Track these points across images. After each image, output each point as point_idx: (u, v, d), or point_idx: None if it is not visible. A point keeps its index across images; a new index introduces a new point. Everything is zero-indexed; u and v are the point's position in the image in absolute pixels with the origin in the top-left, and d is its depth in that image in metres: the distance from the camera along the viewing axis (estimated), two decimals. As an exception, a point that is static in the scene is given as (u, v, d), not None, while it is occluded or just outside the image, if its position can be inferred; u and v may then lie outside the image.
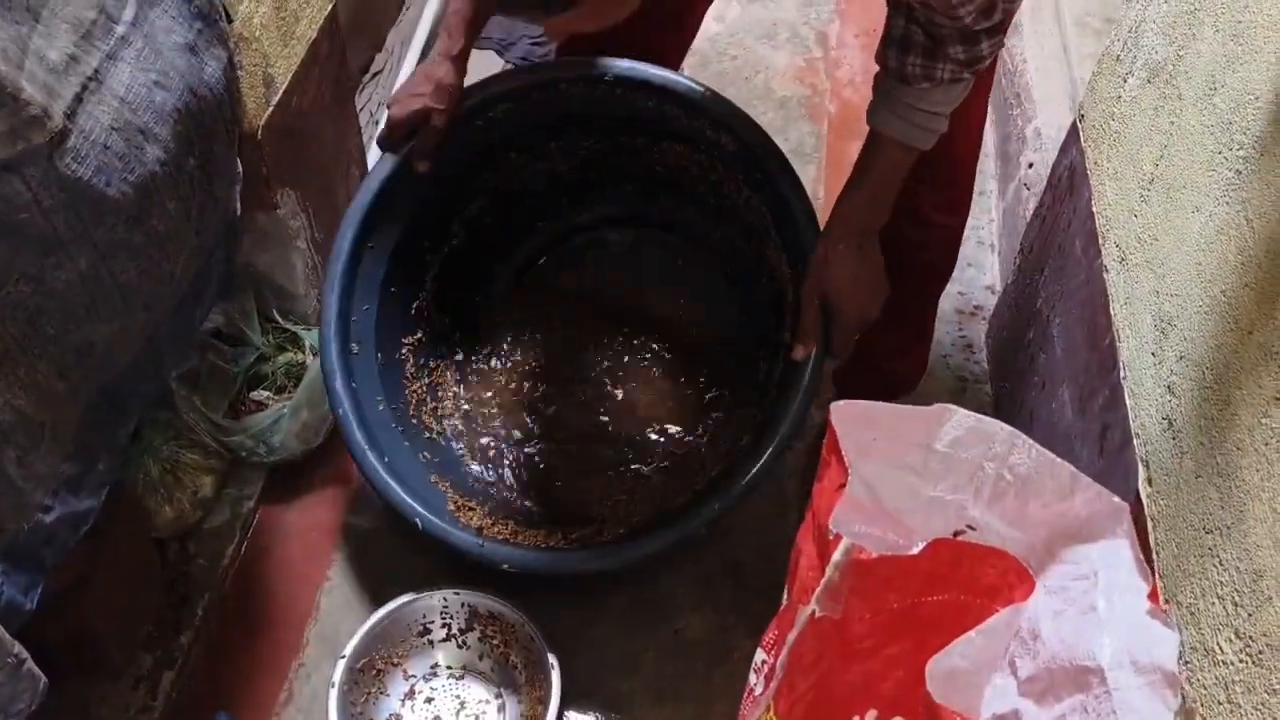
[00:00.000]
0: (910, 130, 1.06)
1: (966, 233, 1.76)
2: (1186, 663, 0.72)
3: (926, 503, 0.71)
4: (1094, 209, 1.19)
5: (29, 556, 0.78)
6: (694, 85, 1.29)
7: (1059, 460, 0.67)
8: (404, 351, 1.40)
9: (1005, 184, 1.80)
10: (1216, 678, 0.75)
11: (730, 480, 1.20)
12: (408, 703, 1.25)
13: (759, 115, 1.35)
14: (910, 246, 1.23)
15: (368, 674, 1.24)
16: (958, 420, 0.70)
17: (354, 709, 1.22)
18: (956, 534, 0.70)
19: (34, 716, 1.17)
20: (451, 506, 1.28)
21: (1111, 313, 1.08)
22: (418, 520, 1.21)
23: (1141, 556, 0.63)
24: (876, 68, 1.07)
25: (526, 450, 1.42)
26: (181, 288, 0.91)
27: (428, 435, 1.38)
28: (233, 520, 1.38)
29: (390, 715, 1.24)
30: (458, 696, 1.26)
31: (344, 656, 1.21)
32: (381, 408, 1.32)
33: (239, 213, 1.15)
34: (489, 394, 1.47)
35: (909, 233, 1.22)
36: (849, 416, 0.71)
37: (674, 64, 1.41)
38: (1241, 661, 0.73)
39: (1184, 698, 0.65)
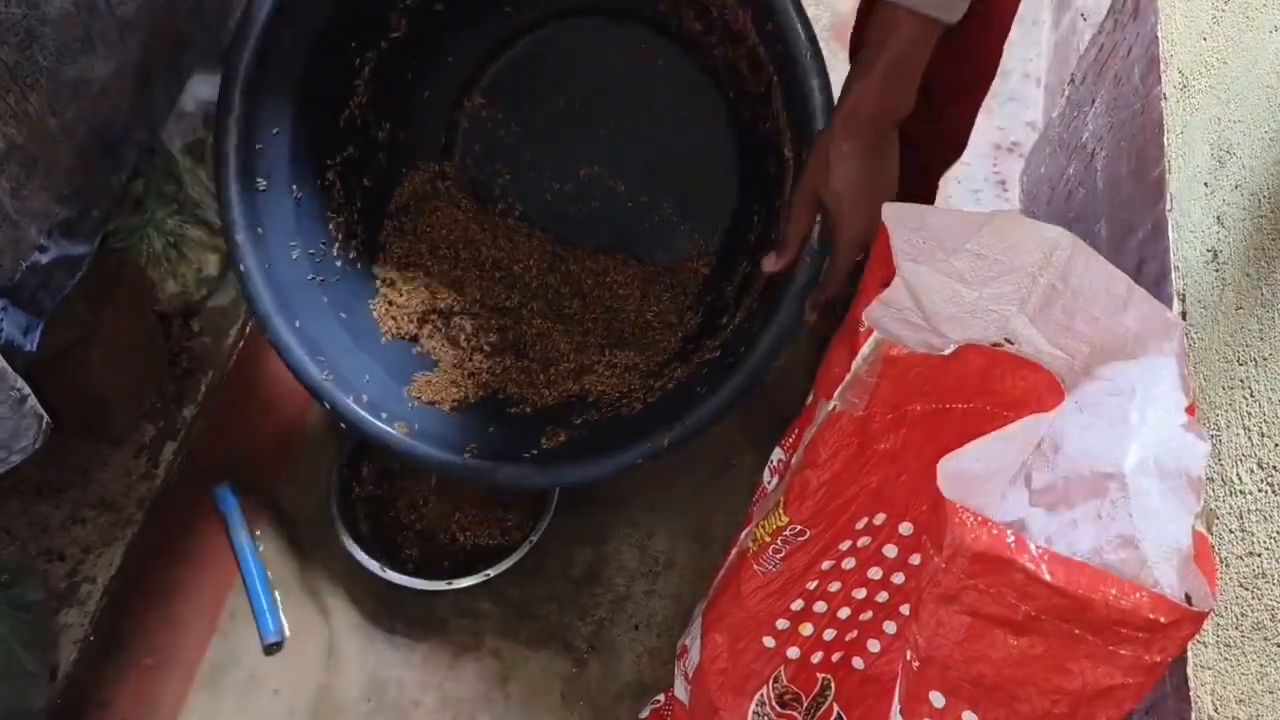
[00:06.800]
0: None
1: (1013, 65, 1.69)
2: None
3: (969, 310, 0.68)
4: (1159, 33, 1.12)
5: (26, 297, 0.76)
6: None
7: (1118, 272, 0.63)
8: (329, 176, 1.16)
9: (1060, 14, 1.70)
10: (1232, 507, 0.74)
11: (678, 417, 1.00)
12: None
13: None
14: (915, 138, 0.94)
15: (370, 458, 1.25)
16: (1015, 225, 0.66)
17: (356, 490, 1.23)
18: (994, 346, 0.67)
19: (39, 478, 1.19)
20: (368, 378, 1.12)
21: (1165, 143, 1.03)
22: (327, 402, 1.07)
23: (1187, 374, 0.60)
24: None
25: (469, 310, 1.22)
26: (175, 28, 0.86)
27: (352, 273, 1.19)
28: (237, 301, 1.35)
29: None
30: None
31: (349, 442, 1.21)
32: (296, 254, 1.12)
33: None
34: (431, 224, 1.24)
35: (918, 126, 0.91)
36: (901, 217, 0.66)
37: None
38: (1261, 491, 0.72)
39: (1206, 504, 0.64)
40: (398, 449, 1.06)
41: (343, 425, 1.08)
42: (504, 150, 1.24)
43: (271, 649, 1.17)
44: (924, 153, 1.09)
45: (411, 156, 1.23)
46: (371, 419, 1.07)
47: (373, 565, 1.14)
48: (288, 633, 1.18)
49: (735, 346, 1.03)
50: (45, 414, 0.79)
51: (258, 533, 1.23)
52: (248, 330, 1.37)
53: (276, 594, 1.19)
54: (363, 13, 1.10)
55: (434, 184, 1.23)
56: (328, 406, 1.07)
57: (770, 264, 0.93)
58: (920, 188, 1.23)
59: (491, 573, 1.14)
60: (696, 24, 1.13)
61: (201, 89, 1.15)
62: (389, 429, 1.07)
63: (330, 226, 1.16)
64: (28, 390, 0.77)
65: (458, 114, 1.24)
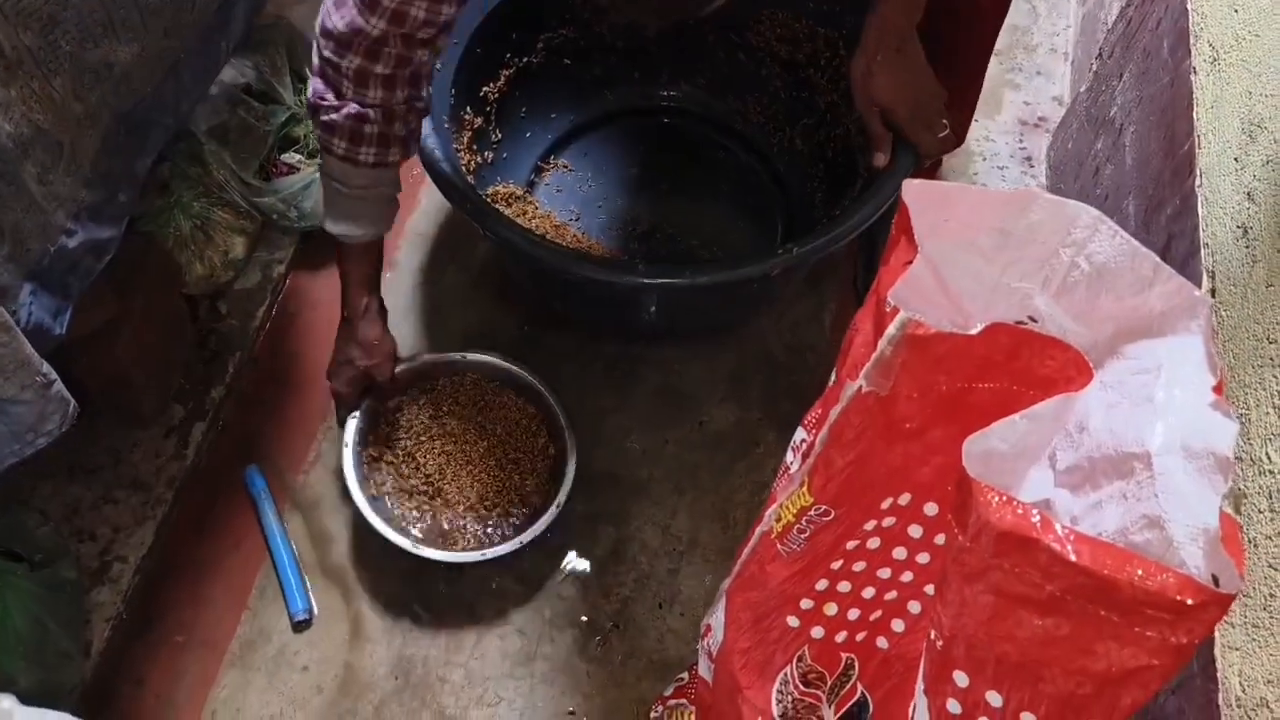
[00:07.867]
0: None
1: (1039, 39, 1.66)
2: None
3: (991, 288, 0.67)
4: (1188, 6, 1.10)
5: (55, 280, 0.77)
6: None
7: (1143, 249, 0.62)
8: (466, 119, 1.33)
9: (1088, -12, 1.67)
10: (1261, 487, 0.74)
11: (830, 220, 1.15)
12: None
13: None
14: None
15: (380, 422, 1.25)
16: (1039, 203, 0.65)
17: (369, 465, 1.23)
18: (1017, 324, 0.67)
19: (70, 460, 1.21)
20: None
21: (1194, 117, 1.01)
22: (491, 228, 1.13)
23: (1215, 351, 0.59)
24: None
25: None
26: (205, 16, 0.86)
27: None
28: (263, 283, 1.37)
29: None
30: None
31: (355, 416, 1.20)
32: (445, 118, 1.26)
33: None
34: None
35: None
36: (923, 195, 0.66)
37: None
38: (1290, 470, 0.71)
39: (1234, 484, 0.63)
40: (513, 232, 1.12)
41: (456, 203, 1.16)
42: (578, 195, 1.46)
43: (300, 626, 1.18)
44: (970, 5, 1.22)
45: (507, 174, 1.43)
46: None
47: (404, 542, 1.14)
48: (316, 610, 1.19)
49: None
50: (72, 399, 0.80)
51: (286, 512, 1.25)
52: (274, 312, 1.38)
53: (304, 573, 1.21)
54: (523, 21, 1.35)
55: (520, 199, 1.42)
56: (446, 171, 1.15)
57: (879, 161, 1.14)
58: (964, 51, 1.28)
59: (525, 539, 1.14)
60: (759, 115, 1.46)
61: (225, 72, 1.15)
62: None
63: (459, 147, 1.31)
64: (54, 376, 0.77)
65: (544, 163, 1.47)
